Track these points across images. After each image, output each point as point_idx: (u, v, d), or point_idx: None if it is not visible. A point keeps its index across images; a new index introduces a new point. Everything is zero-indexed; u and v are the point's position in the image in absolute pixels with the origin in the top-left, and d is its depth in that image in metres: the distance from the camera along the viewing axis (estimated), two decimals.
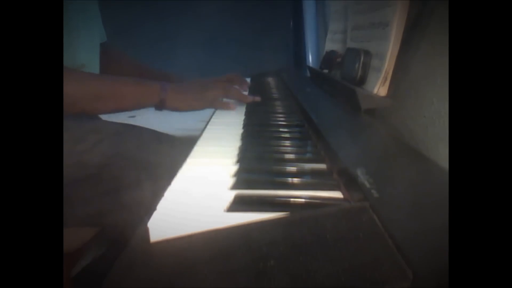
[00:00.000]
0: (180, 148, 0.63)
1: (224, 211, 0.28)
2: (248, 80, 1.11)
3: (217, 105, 0.73)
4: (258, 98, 0.77)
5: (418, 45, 0.43)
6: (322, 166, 0.38)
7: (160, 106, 0.67)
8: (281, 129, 0.54)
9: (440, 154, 0.35)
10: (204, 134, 0.52)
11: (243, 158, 0.40)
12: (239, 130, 0.53)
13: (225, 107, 0.72)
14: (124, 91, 0.65)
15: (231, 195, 0.30)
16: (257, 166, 0.38)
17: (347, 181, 0.30)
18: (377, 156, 0.35)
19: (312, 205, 0.30)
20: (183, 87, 0.71)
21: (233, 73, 0.94)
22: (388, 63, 0.48)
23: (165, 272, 0.19)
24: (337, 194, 0.31)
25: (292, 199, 0.30)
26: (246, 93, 0.91)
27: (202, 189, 0.31)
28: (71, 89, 0.57)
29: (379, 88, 0.50)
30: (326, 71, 0.80)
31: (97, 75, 0.77)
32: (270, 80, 1.18)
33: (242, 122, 0.58)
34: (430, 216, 0.22)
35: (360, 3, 0.62)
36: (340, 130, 0.45)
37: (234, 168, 0.36)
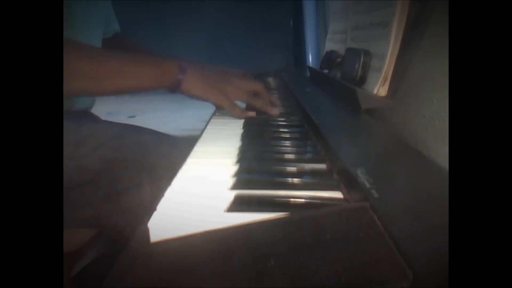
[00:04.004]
0: (180, 148, 0.63)
1: (224, 211, 0.28)
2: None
3: (232, 107, 0.62)
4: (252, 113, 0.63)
5: (418, 45, 0.43)
6: (322, 166, 0.38)
7: (174, 88, 0.59)
8: (281, 129, 0.54)
9: (440, 154, 0.35)
10: (204, 134, 0.52)
11: (243, 158, 0.40)
12: (239, 130, 0.53)
13: (240, 113, 0.62)
14: (133, 69, 0.57)
15: (231, 195, 0.30)
16: (257, 166, 0.38)
17: (347, 181, 0.30)
18: (377, 156, 0.35)
19: (312, 205, 0.30)
20: (204, 71, 0.61)
21: (244, 71, 0.83)
22: (388, 63, 0.48)
23: (165, 272, 0.19)
24: (337, 194, 0.31)
25: (292, 199, 0.30)
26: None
27: (202, 189, 0.31)
28: (69, 64, 0.46)
29: (379, 88, 0.50)
30: (326, 71, 0.80)
31: (100, 50, 0.67)
32: (270, 80, 1.18)
33: (242, 122, 0.58)
34: (430, 216, 0.22)
35: (360, 3, 0.62)
36: (340, 130, 0.45)
37: (234, 168, 0.36)
